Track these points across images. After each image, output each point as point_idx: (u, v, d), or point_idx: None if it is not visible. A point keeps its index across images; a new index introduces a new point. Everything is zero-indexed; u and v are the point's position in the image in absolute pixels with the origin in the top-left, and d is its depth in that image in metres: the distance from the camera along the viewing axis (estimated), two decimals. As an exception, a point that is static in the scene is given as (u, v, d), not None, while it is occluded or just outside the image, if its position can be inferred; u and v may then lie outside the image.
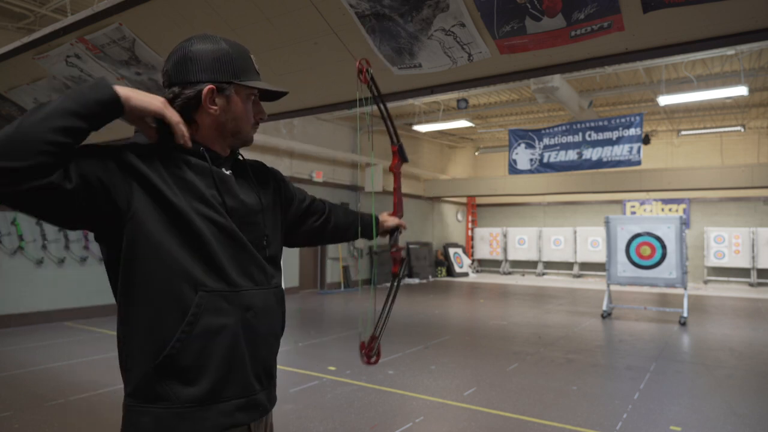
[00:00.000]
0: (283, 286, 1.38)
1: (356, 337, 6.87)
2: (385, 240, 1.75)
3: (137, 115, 1.10)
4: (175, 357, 1.10)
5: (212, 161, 1.21)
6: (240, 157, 1.33)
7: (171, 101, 1.18)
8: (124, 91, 1.06)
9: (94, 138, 1.16)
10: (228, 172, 1.25)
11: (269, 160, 11.29)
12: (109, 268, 1.16)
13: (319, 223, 1.60)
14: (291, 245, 1.53)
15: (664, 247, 8.72)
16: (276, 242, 1.34)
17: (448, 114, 12.68)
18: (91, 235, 8.42)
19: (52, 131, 0.96)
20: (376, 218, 1.71)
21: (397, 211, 1.72)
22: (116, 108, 1.05)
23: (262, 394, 1.24)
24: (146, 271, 1.10)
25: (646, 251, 8.84)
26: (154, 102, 1.11)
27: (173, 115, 1.15)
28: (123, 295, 1.13)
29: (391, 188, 14.88)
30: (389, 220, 1.74)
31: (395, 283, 1.64)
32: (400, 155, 1.69)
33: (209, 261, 1.14)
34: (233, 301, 1.16)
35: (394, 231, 1.73)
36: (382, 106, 1.66)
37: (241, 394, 1.18)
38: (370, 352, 1.52)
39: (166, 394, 1.10)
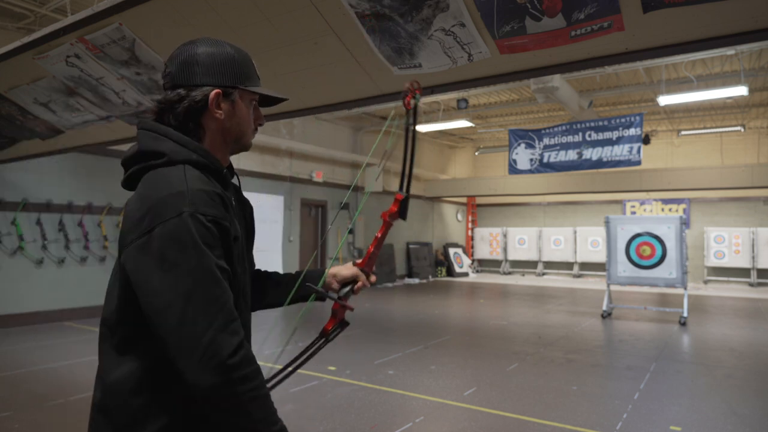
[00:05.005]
0: None
1: (356, 336, 6.87)
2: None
3: None
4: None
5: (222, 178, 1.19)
6: (236, 177, 1.30)
7: (177, 103, 1.15)
8: None
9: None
10: (234, 202, 1.22)
11: (269, 160, 11.29)
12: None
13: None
14: None
15: (664, 247, 8.72)
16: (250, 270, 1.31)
17: (448, 114, 12.67)
18: (91, 236, 8.26)
19: None
20: (322, 272, 1.41)
21: (366, 263, 1.38)
22: None
23: None
24: None
25: (646, 251, 8.83)
26: None
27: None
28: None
29: (391, 188, 14.93)
30: (345, 270, 1.39)
31: (319, 342, 1.35)
32: (400, 208, 1.38)
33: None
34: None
35: (349, 283, 1.38)
36: (410, 144, 1.41)
37: None
38: None
39: None
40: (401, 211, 1.37)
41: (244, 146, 1.26)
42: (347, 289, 1.36)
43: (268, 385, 1.23)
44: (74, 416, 3.85)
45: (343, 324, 1.35)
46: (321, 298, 1.34)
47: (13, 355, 5.75)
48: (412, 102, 1.37)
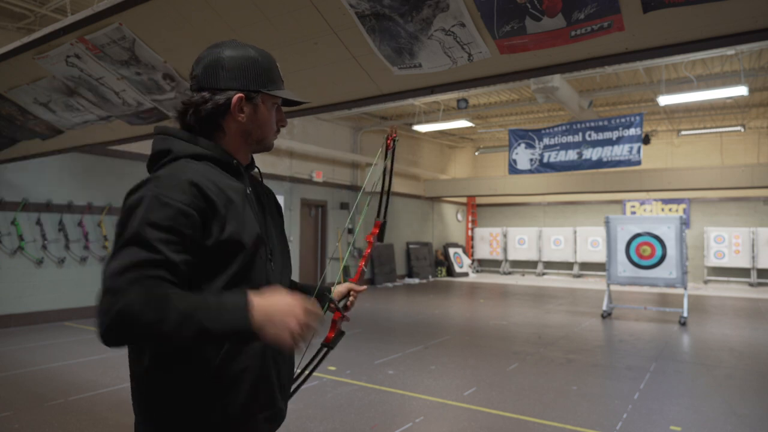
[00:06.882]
0: None
1: (356, 336, 6.87)
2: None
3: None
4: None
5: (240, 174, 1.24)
6: (256, 169, 1.35)
7: (200, 105, 1.19)
8: (259, 318, 1.01)
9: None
10: (249, 191, 1.25)
11: (269, 160, 11.29)
12: None
13: None
14: None
15: (664, 247, 8.71)
16: (283, 259, 1.35)
17: (448, 114, 12.67)
18: (91, 236, 8.27)
19: (182, 339, 1.00)
20: (328, 289, 1.56)
21: (358, 279, 1.61)
22: (247, 337, 1.03)
23: (283, 403, 1.32)
24: None
25: (646, 251, 8.83)
26: (285, 335, 1.03)
27: (301, 342, 1.09)
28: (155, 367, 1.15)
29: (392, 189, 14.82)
30: (340, 286, 1.57)
31: (321, 353, 1.51)
32: (380, 232, 1.66)
33: (247, 284, 1.15)
34: None
35: (346, 296, 1.58)
36: (386, 179, 1.66)
37: (267, 407, 1.23)
38: None
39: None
40: (380, 235, 1.66)
41: (265, 147, 1.30)
42: (344, 301, 1.56)
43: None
44: (74, 416, 3.85)
45: (340, 334, 1.52)
46: (330, 306, 1.51)
47: (13, 355, 5.75)
48: (392, 144, 1.64)
